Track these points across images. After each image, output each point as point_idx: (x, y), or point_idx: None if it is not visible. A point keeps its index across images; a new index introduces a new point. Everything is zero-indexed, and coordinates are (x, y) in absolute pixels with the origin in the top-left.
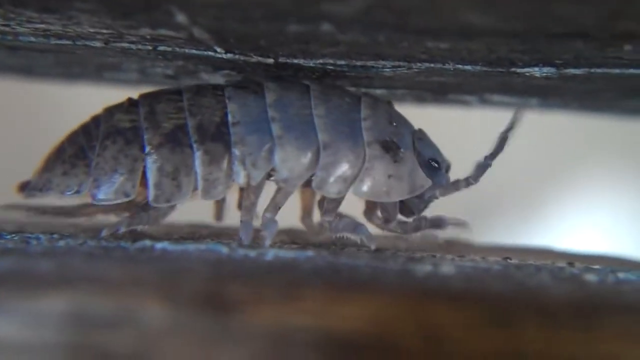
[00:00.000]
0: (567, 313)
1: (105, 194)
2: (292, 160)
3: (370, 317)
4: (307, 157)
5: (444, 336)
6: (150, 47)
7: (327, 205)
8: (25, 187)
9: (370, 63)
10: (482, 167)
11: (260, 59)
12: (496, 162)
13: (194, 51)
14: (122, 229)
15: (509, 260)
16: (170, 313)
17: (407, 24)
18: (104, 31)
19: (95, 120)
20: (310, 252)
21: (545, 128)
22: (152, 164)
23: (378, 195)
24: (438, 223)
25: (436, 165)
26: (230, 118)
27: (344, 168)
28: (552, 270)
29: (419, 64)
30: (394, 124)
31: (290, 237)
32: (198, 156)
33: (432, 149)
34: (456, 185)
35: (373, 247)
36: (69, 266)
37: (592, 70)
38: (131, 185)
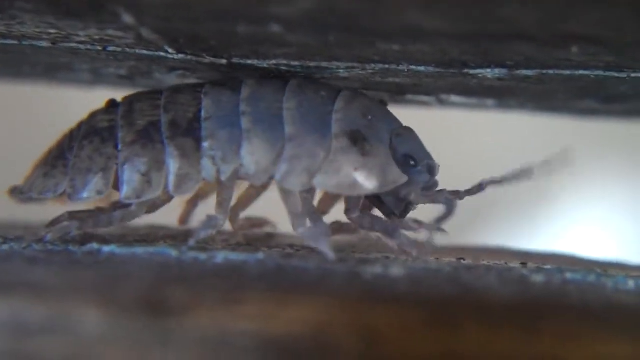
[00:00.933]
0: (508, 314)
1: (79, 193)
2: (257, 153)
3: (310, 320)
4: (272, 151)
5: (383, 338)
6: (99, 48)
7: (348, 204)
8: (13, 191)
9: (324, 64)
10: (477, 189)
11: (213, 59)
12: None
13: (144, 52)
14: (74, 232)
15: (462, 262)
16: (108, 319)
17: (355, 25)
18: (51, 31)
19: (80, 123)
20: (261, 255)
21: (539, 129)
22: (123, 160)
23: (342, 188)
24: (406, 226)
25: (413, 162)
26: (203, 113)
27: (307, 160)
28: (502, 271)
29: (372, 65)
30: (369, 117)
31: (246, 239)
32: (169, 152)
33: (412, 147)
34: (442, 194)
35: (415, 253)
36: (8, 271)
37: (544, 71)
38: (104, 184)
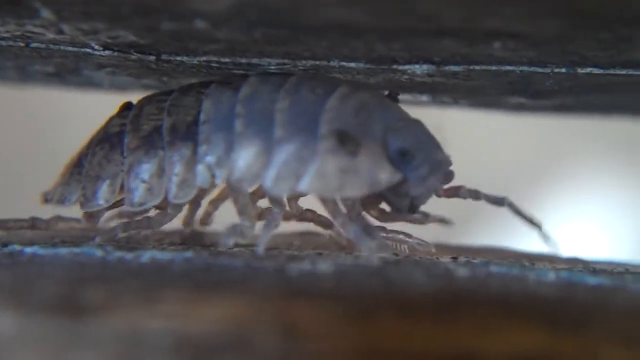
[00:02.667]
0: (428, 307)
1: (89, 201)
2: (247, 157)
3: (229, 318)
4: (262, 155)
5: (302, 334)
6: (22, 44)
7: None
8: (44, 197)
9: (255, 60)
10: (496, 202)
11: (140, 56)
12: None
13: (69, 48)
14: (119, 235)
15: (394, 257)
16: (22, 319)
17: (279, 21)
18: None
19: (99, 128)
20: (189, 254)
21: (533, 128)
22: (128, 167)
23: (329, 191)
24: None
25: (406, 158)
26: (202, 116)
27: (294, 165)
28: (429, 265)
29: (303, 62)
30: (362, 114)
31: (181, 238)
32: (167, 157)
33: (409, 141)
34: (456, 190)
35: (375, 261)
36: None
37: (471, 67)
38: (111, 191)
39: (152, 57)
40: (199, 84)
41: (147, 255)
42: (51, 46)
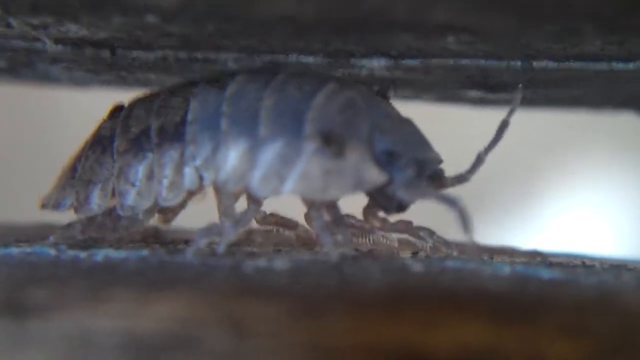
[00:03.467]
0: (378, 303)
1: (82, 206)
2: (233, 158)
3: (179, 316)
4: (247, 155)
5: (251, 331)
6: None
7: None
8: (42, 202)
9: (211, 55)
10: (477, 162)
11: (94, 51)
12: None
13: (20, 43)
14: (78, 236)
15: (355, 252)
16: None
17: (230, 15)
18: None
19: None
20: (145, 252)
21: (525, 123)
22: (117, 171)
23: (314, 193)
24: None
25: (392, 158)
26: (189, 116)
27: (279, 165)
28: (386, 261)
29: (261, 56)
30: (349, 113)
31: (142, 236)
32: (156, 159)
33: (396, 141)
34: (432, 190)
35: (334, 257)
36: None
37: (428, 61)
38: (103, 195)
39: (107, 52)
40: (188, 83)
41: (101, 254)
42: (1, 40)
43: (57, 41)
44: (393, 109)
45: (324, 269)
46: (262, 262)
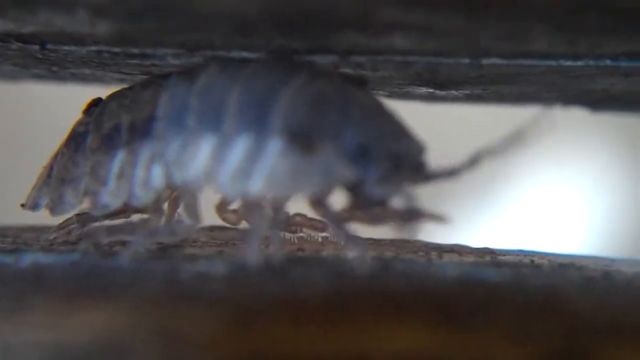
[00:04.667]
0: (322, 308)
1: (56, 206)
2: (199, 156)
3: (106, 325)
4: (211, 154)
5: (183, 340)
6: None
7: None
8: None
9: (148, 51)
10: (474, 160)
11: (22, 45)
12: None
13: None
14: (104, 240)
15: (299, 253)
16: None
17: (166, 10)
18: None
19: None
20: (76, 256)
21: (498, 120)
22: (89, 170)
23: (280, 192)
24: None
25: (363, 151)
26: (159, 112)
27: (241, 164)
28: (333, 264)
29: (202, 52)
30: (320, 106)
31: (78, 237)
32: (124, 157)
33: (370, 134)
34: (401, 187)
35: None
36: None
37: (375, 57)
38: (75, 195)
39: (35, 47)
40: (160, 76)
41: (27, 259)
42: None
43: None
44: (370, 98)
45: (265, 273)
46: (199, 267)
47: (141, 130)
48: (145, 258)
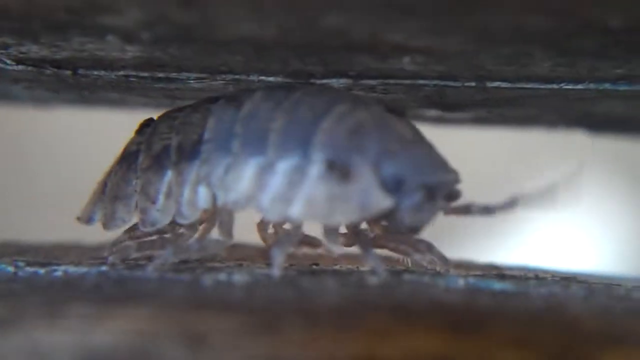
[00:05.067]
0: (334, 315)
1: (109, 222)
2: (242, 180)
3: (136, 330)
4: (256, 177)
5: (208, 344)
6: None
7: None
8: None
9: (173, 75)
10: (510, 205)
11: (56, 70)
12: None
13: None
14: (132, 254)
15: (315, 267)
16: None
17: (191, 36)
18: None
19: None
20: (104, 267)
21: (510, 143)
22: (140, 188)
23: (318, 218)
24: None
25: (398, 183)
26: (206, 135)
27: (282, 188)
28: (344, 275)
29: (223, 76)
30: (358, 136)
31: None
32: (172, 177)
33: (404, 165)
34: (463, 208)
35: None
36: None
37: (386, 81)
38: (127, 211)
39: (68, 72)
40: (209, 100)
41: (60, 270)
42: None
43: (18, 62)
44: (407, 128)
45: (282, 283)
46: (221, 277)
47: (189, 152)
48: (169, 269)
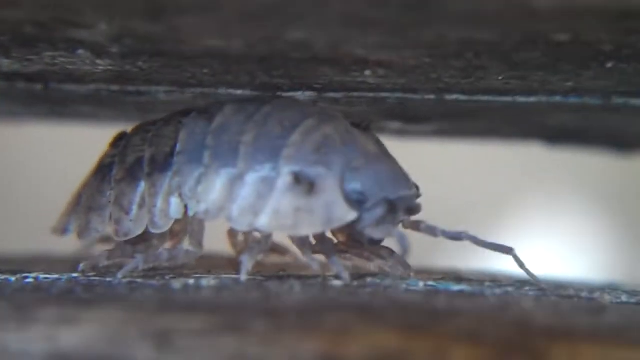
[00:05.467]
0: (298, 315)
1: (83, 232)
2: (212, 191)
3: (105, 331)
4: (226, 189)
5: (177, 343)
6: None
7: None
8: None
9: (143, 88)
10: (455, 237)
11: (27, 84)
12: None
13: None
14: (104, 263)
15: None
16: None
17: (159, 50)
18: None
19: None
20: (74, 273)
21: (494, 159)
22: (114, 199)
23: (284, 229)
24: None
25: (361, 197)
26: (178, 147)
27: (253, 200)
28: (307, 279)
29: (192, 89)
30: (324, 151)
31: None
32: (145, 188)
33: (367, 181)
34: (395, 230)
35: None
36: None
37: (350, 93)
38: (101, 222)
39: (39, 86)
40: (181, 113)
41: (31, 277)
42: None
43: None
44: (371, 143)
45: (248, 286)
46: (190, 280)
47: (161, 164)
48: (139, 276)
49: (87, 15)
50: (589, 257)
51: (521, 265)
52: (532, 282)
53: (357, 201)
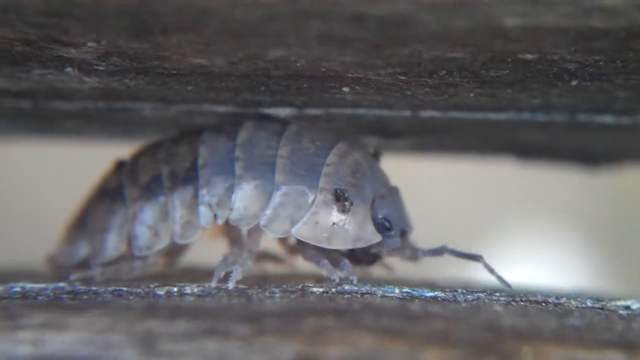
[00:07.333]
0: (277, 317)
1: (100, 254)
2: (247, 200)
3: (91, 336)
4: (261, 197)
5: (160, 347)
6: None
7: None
8: (49, 260)
9: (129, 105)
10: (437, 252)
11: (15, 101)
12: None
13: None
14: (98, 278)
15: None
16: None
17: (147, 68)
18: None
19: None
20: (61, 283)
21: (482, 180)
22: (132, 216)
23: (318, 240)
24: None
25: (388, 225)
26: (199, 161)
27: (291, 209)
28: (287, 287)
29: (176, 105)
30: (358, 175)
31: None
32: (170, 201)
33: (391, 211)
34: (402, 252)
35: (335, 279)
36: None
37: (329, 110)
38: (119, 240)
39: (28, 104)
40: (190, 133)
41: (17, 286)
42: None
43: None
44: (385, 175)
45: (231, 293)
46: (173, 288)
47: (182, 178)
48: (124, 284)
49: (76, 34)
50: (560, 268)
51: (491, 271)
52: (502, 289)
53: (382, 226)
